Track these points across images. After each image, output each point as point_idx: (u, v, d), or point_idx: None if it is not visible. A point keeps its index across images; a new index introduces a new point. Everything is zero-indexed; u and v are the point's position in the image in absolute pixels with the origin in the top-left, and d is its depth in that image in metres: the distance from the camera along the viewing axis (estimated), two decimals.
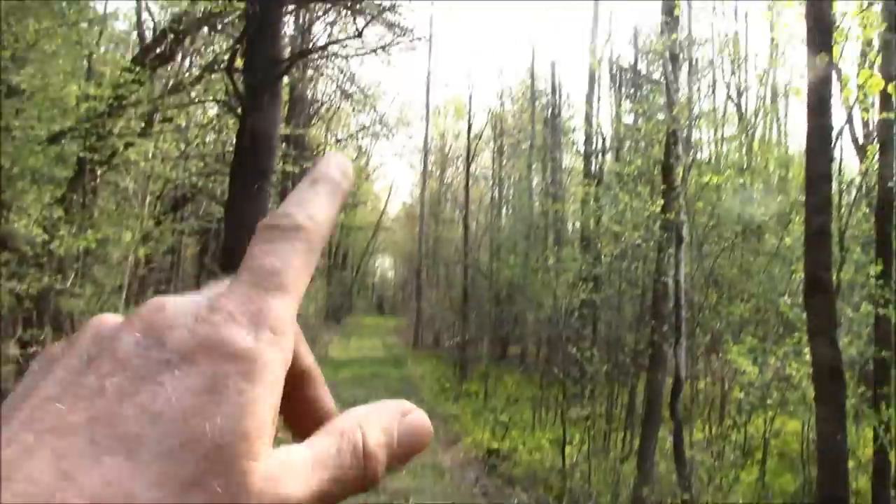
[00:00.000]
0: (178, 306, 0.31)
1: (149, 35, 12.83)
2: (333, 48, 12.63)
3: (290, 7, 11.21)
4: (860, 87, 6.80)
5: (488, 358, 20.22)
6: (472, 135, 26.22)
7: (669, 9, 9.30)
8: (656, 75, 19.83)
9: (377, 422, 0.33)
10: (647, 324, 8.60)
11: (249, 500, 0.27)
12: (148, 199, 13.80)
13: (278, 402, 0.30)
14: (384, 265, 69.48)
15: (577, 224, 20.83)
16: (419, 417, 0.35)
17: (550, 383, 15.31)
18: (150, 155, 11.77)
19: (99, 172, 10.29)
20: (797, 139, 15.69)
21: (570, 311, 12.21)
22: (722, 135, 16.14)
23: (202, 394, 0.28)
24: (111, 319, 0.33)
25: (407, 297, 43.08)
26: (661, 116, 11.35)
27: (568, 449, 9.88)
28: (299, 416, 0.38)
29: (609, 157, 19.19)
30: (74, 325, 8.21)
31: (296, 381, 0.36)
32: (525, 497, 8.75)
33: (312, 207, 0.35)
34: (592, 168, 19.38)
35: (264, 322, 0.31)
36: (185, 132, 13.43)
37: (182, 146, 13.16)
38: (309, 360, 0.38)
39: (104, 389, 0.28)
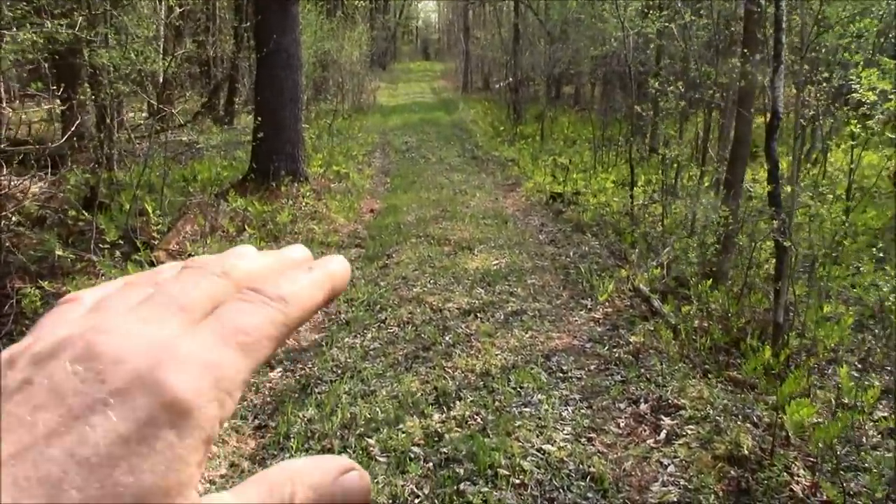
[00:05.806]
0: (128, 335, 0.29)
1: None
2: None
3: None
4: None
5: (543, 99, 19.48)
6: None
7: None
8: None
9: (309, 479, 0.32)
10: (732, 53, 7.75)
11: None
12: None
13: (205, 458, 0.30)
14: (427, 7, 66.91)
15: None
16: (356, 478, 0.33)
17: (608, 122, 14.67)
18: None
19: None
20: None
21: (638, 45, 11.26)
22: None
23: (131, 443, 0.27)
24: (60, 327, 0.31)
25: (453, 41, 41.63)
26: None
27: (636, 190, 9.42)
28: None
29: None
30: (111, 79, 7.65)
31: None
32: (595, 243, 8.41)
33: (301, 289, 0.34)
34: None
35: (216, 376, 0.29)
36: None
37: None
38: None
39: (35, 425, 0.27)
